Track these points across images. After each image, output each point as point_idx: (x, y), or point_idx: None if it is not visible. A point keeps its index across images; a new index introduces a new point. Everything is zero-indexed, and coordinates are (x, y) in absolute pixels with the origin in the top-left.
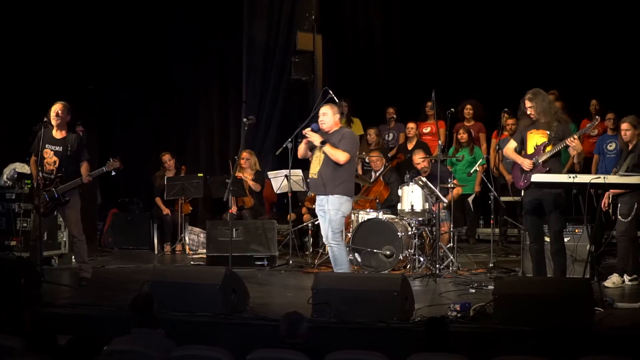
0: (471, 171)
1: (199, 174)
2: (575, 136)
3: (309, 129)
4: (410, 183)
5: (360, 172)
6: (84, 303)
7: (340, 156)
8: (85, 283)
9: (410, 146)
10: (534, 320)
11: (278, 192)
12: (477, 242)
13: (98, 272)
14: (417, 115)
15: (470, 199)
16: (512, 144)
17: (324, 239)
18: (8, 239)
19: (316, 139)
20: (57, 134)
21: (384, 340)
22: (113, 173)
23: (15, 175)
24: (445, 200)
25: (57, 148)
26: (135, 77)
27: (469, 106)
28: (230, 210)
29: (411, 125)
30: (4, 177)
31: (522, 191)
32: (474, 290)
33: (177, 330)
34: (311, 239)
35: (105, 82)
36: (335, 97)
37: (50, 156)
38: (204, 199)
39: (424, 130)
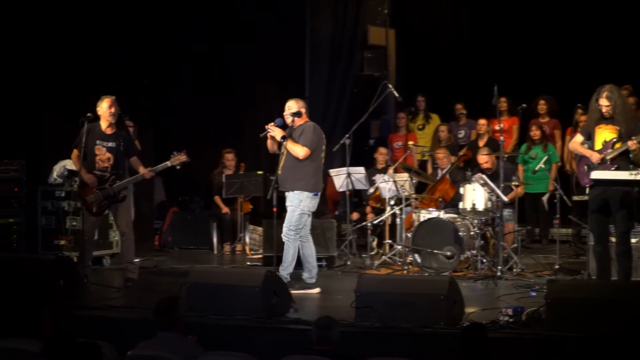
0: (535, 168)
1: (259, 172)
2: (635, 139)
3: (272, 123)
4: (472, 181)
5: (429, 170)
6: (117, 305)
7: (299, 151)
8: (131, 284)
9: (481, 143)
10: (587, 327)
11: (340, 190)
12: (550, 243)
13: (149, 272)
14: (489, 111)
15: (544, 198)
16: (579, 138)
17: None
18: (57, 238)
19: (277, 134)
20: (108, 129)
21: (429, 347)
22: (178, 167)
23: (66, 173)
24: (505, 199)
25: (110, 144)
26: (192, 73)
27: (542, 102)
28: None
29: (482, 121)
30: (54, 174)
31: (587, 188)
32: (535, 294)
33: (211, 334)
34: (375, 239)
35: (160, 78)
36: (395, 92)
37: (102, 152)
38: (266, 197)
39: (496, 127)
